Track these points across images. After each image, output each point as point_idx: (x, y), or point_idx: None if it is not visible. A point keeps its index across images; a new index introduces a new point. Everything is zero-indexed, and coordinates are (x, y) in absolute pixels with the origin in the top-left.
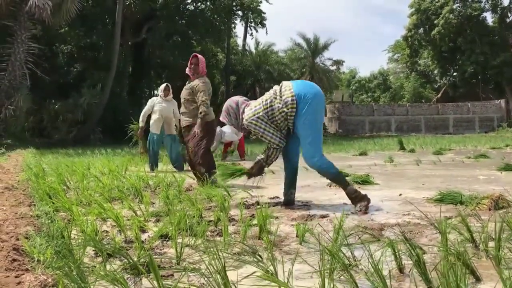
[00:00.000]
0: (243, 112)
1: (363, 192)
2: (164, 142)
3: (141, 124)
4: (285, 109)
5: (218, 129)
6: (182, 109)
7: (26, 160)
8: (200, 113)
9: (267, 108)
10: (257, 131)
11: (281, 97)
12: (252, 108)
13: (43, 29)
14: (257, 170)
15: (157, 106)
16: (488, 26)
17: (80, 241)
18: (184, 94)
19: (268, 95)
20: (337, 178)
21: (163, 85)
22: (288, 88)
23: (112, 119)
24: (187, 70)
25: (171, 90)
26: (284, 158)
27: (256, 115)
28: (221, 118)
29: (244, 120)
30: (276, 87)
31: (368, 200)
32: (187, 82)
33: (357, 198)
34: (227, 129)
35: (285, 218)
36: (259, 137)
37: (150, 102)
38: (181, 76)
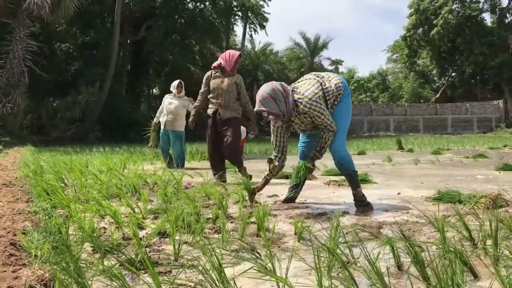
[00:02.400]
0: (292, 94)
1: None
2: (170, 138)
3: (155, 119)
4: (336, 93)
5: None
6: (222, 102)
7: (24, 157)
8: (254, 112)
9: (321, 89)
10: (321, 112)
11: (329, 81)
12: (309, 88)
13: (42, 27)
14: (314, 164)
15: (165, 103)
16: (487, 26)
17: (78, 237)
18: (226, 87)
19: (313, 80)
20: (353, 176)
21: (176, 82)
22: (333, 76)
23: (111, 117)
24: (226, 66)
25: (183, 87)
26: (302, 158)
27: (318, 94)
28: (264, 108)
29: (306, 99)
30: (311, 76)
31: (371, 209)
32: (216, 72)
33: (362, 203)
34: None
35: (283, 215)
36: (317, 119)
37: (164, 98)
38: (180, 74)
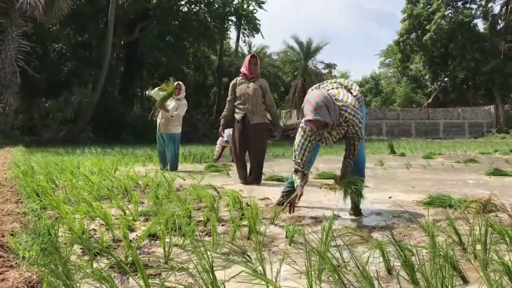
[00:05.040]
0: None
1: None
2: (164, 139)
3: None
4: (361, 100)
5: (227, 132)
6: (250, 107)
7: (15, 157)
8: (278, 115)
9: (353, 98)
10: (360, 120)
11: (353, 89)
12: (348, 96)
13: (35, 27)
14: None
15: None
16: (479, 32)
17: (67, 239)
18: (252, 92)
19: (340, 88)
20: (362, 182)
21: (175, 84)
22: (351, 82)
23: (104, 118)
24: (245, 70)
25: (183, 88)
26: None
27: (355, 102)
28: (319, 117)
29: (351, 106)
30: (335, 84)
31: (361, 215)
32: (242, 78)
33: (357, 210)
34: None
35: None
36: (355, 127)
37: None
38: (174, 76)
